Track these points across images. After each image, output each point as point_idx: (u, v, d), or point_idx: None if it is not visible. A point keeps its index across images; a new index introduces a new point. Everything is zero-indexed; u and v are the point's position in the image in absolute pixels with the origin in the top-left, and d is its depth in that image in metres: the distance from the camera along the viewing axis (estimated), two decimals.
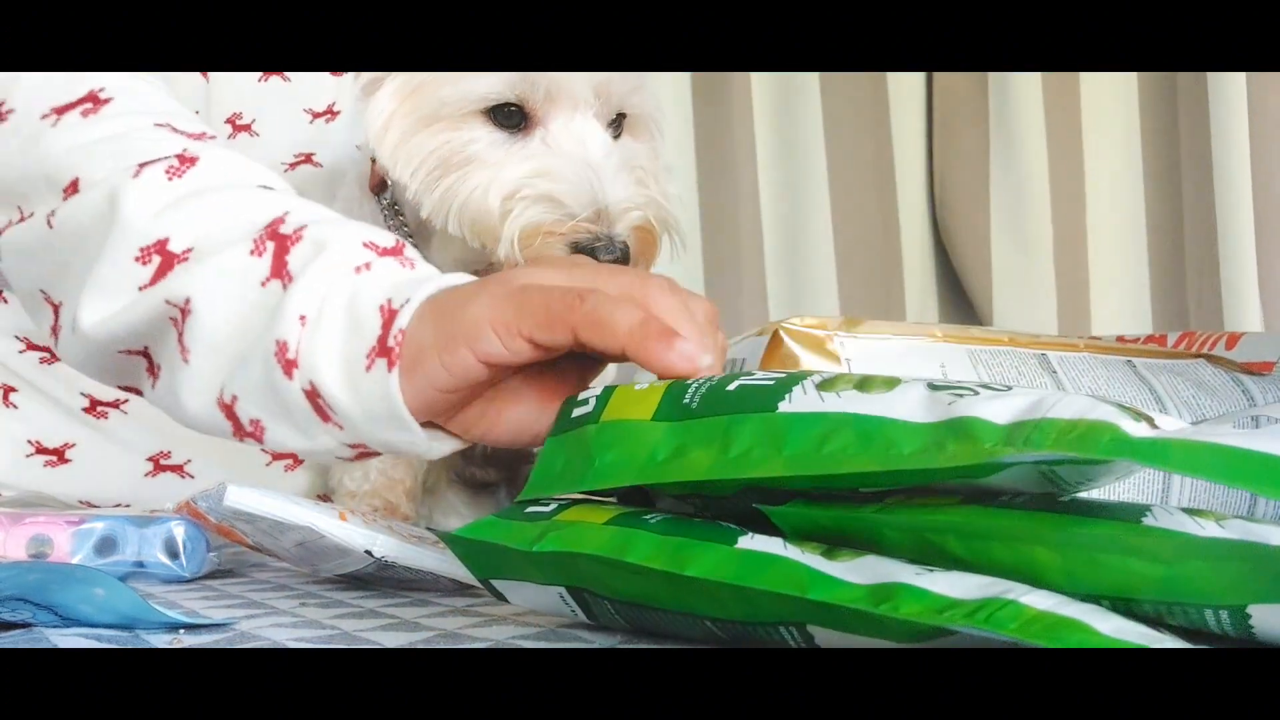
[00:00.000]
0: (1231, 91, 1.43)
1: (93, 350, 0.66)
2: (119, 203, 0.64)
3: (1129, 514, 0.41)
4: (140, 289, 0.63)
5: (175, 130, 0.70)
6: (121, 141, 0.68)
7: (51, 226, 0.67)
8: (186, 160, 0.67)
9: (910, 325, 0.76)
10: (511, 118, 0.76)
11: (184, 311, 0.61)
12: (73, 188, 0.67)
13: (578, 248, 0.73)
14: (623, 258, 0.74)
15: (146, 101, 0.73)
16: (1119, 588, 0.40)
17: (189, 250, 0.63)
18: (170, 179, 0.66)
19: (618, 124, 0.80)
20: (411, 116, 0.78)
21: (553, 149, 0.75)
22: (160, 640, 0.53)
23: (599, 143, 0.76)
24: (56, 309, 0.69)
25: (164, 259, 0.63)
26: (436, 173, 0.77)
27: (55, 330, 0.69)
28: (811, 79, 1.69)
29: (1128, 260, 1.63)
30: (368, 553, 0.61)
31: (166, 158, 0.66)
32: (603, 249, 0.73)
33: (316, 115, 1.05)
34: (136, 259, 0.63)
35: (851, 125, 1.71)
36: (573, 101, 0.76)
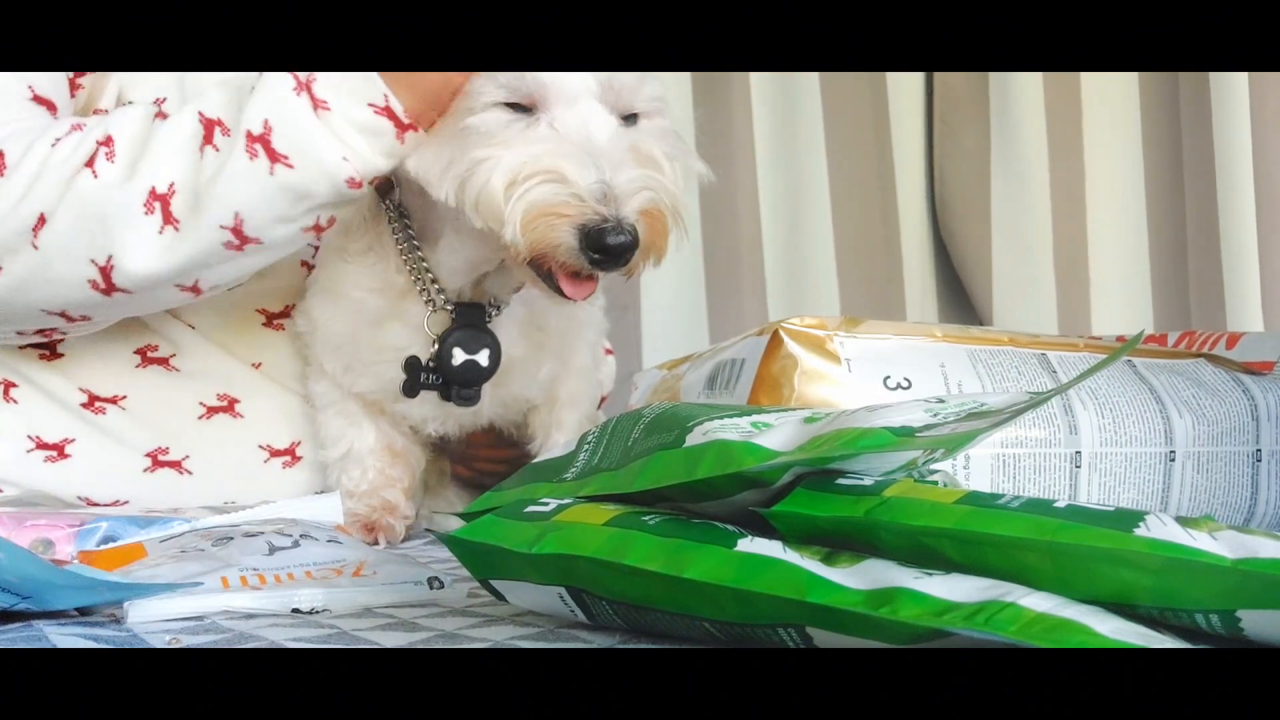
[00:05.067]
0: (1233, 91, 1.43)
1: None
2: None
3: (1122, 523, 0.41)
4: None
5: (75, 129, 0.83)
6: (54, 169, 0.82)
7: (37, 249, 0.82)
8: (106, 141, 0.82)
9: (910, 325, 0.76)
10: (521, 106, 0.76)
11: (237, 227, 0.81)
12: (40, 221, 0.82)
13: (585, 230, 0.71)
14: (632, 242, 0.72)
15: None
16: (1113, 594, 0.40)
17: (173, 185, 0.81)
18: (111, 160, 0.81)
19: (630, 120, 0.79)
20: None
21: (558, 132, 0.75)
22: (159, 640, 0.53)
23: (605, 128, 0.76)
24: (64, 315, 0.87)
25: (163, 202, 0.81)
26: (434, 149, 0.77)
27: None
28: (811, 79, 1.69)
29: (1129, 260, 1.63)
30: (295, 611, 0.59)
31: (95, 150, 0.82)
32: (611, 231, 0.71)
33: None
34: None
35: (851, 125, 1.71)
36: (573, 89, 0.76)
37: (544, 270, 0.75)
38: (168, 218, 0.81)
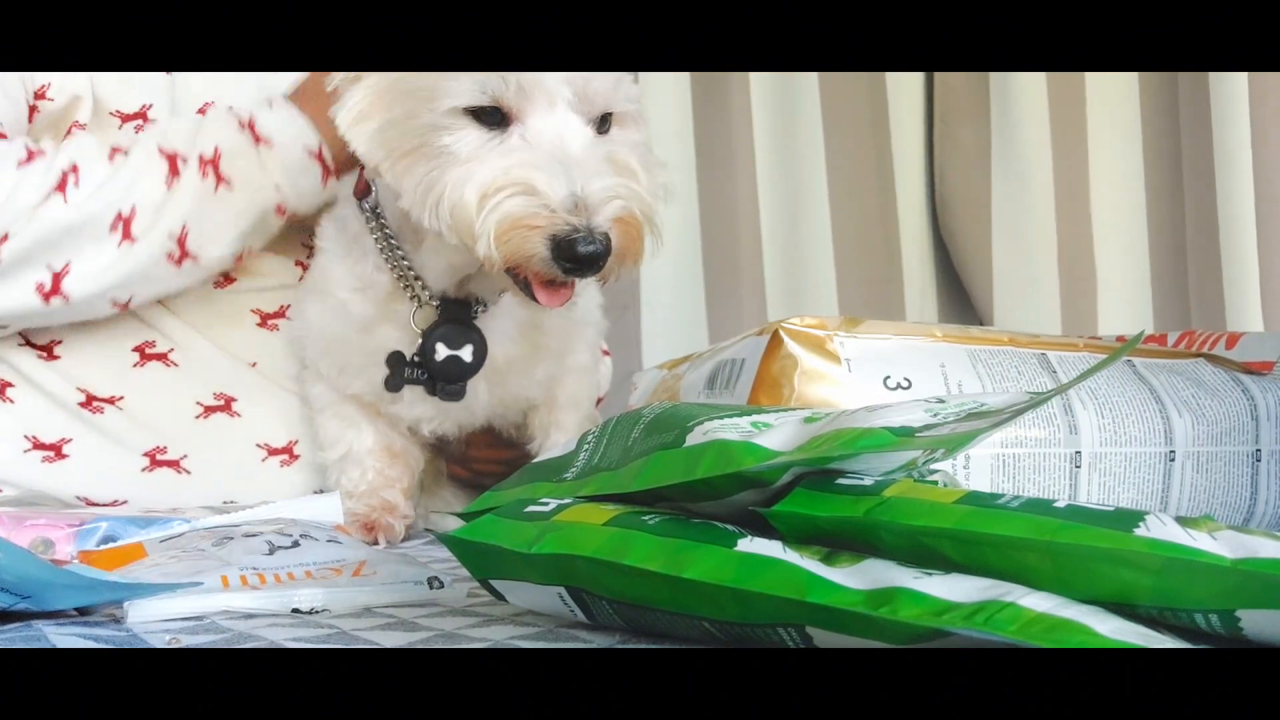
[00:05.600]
0: (1233, 91, 1.43)
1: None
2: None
3: (1122, 523, 0.41)
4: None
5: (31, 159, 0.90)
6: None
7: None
8: (72, 170, 0.90)
9: (910, 325, 0.76)
10: (492, 116, 0.76)
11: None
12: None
13: (556, 240, 0.71)
14: (604, 250, 0.72)
15: None
16: (1113, 594, 0.40)
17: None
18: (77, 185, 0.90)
19: (604, 121, 0.79)
20: (390, 109, 0.78)
21: (531, 144, 0.74)
22: (159, 640, 0.53)
23: (578, 136, 0.76)
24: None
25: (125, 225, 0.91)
26: (413, 159, 0.77)
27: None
28: (811, 79, 1.69)
29: (1128, 260, 1.63)
30: (295, 611, 0.60)
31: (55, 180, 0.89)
32: (582, 240, 0.71)
33: None
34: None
35: (851, 125, 1.71)
36: (548, 97, 0.75)
37: (520, 278, 0.75)
38: (127, 235, 0.91)
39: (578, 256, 0.72)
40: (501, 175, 0.73)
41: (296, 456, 1.02)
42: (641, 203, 0.75)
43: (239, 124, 0.93)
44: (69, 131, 0.97)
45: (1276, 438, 0.76)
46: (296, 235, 1.03)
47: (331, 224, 0.92)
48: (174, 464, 0.99)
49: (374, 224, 0.87)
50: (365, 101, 0.79)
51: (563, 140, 0.75)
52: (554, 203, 0.72)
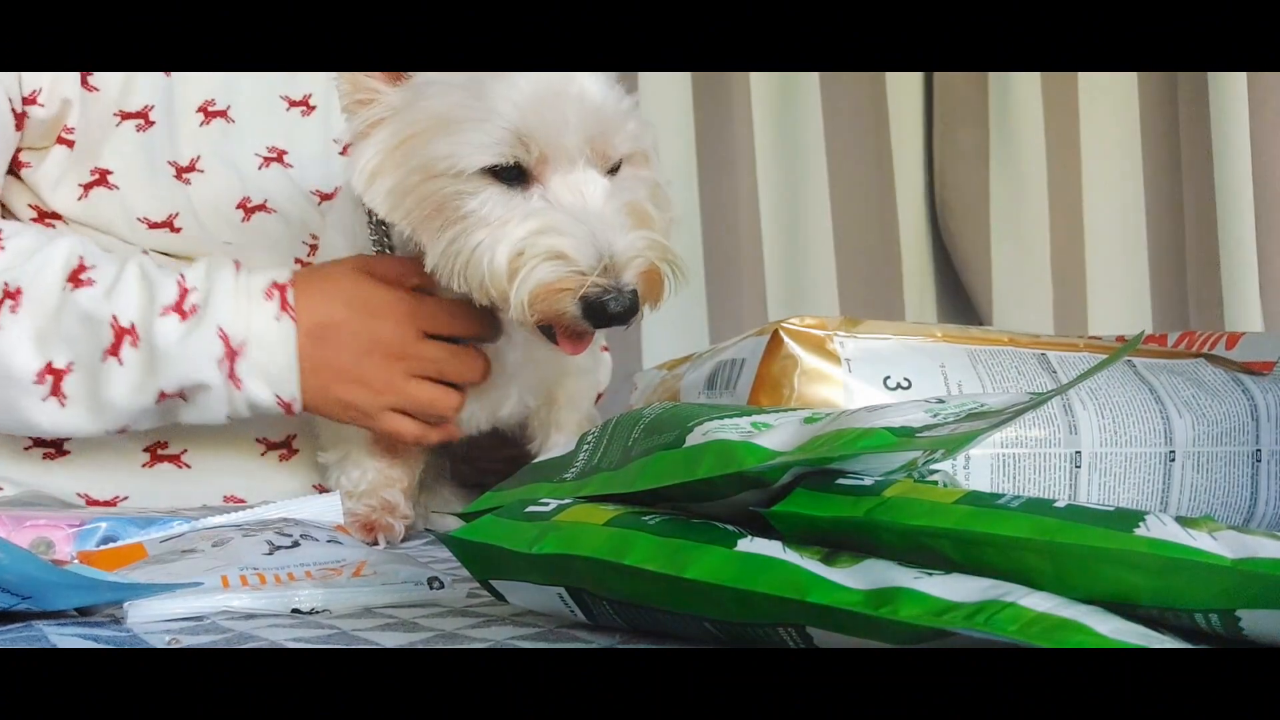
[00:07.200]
0: (1232, 91, 1.43)
1: None
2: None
3: (1122, 523, 0.41)
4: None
5: None
6: None
7: None
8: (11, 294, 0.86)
9: (910, 325, 0.76)
10: (511, 172, 0.77)
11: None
12: None
13: (588, 301, 0.75)
14: (632, 307, 0.76)
15: None
16: (1113, 594, 0.40)
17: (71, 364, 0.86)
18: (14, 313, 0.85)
19: (615, 164, 0.81)
20: (405, 167, 0.78)
21: (553, 204, 0.76)
22: (159, 640, 0.53)
23: (598, 192, 0.78)
24: None
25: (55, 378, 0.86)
26: (436, 222, 0.77)
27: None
28: (811, 79, 1.69)
29: (1128, 260, 1.63)
30: (295, 611, 0.60)
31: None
32: (612, 300, 0.75)
33: (293, 104, 1.06)
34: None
35: (851, 125, 1.71)
36: (568, 156, 0.76)
37: (545, 327, 0.78)
38: (56, 391, 0.87)
39: (609, 315, 0.75)
40: (530, 243, 0.75)
41: (295, 451, 1.02)
42: (664, 252, 0.78)
43: (222, 354, 0.85)
44: (58, 139, 0.96)
45: (1277, 438, 0.76)
46: (295, 234, 1.03)
47: (339, 234, 0.92)
48: (174, 459, 0.99)
49: (375, 236, 0.88)
50: (376, 159, 0.79)
51: (584, 198, 0.77)
52: (583, 266, 0.75)
